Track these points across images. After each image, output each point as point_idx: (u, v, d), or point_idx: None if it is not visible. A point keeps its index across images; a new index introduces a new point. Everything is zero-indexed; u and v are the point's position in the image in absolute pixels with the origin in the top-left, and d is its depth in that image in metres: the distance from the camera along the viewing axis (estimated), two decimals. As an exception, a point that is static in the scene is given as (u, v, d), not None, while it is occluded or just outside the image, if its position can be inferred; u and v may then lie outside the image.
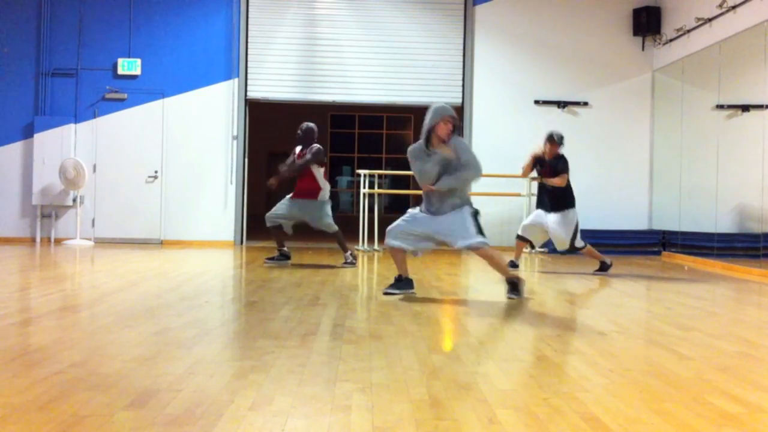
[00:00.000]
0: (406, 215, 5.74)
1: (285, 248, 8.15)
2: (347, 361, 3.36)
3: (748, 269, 8.23)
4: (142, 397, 2.70)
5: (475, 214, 5.56)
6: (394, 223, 5.73)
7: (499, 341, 4.09)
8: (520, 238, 8.11)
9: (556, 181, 7.67)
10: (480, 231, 5.49)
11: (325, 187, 8.00)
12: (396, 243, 5.65)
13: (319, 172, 7.98)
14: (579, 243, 7.80)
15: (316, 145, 7.98)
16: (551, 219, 7.76)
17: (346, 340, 3.87)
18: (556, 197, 7.73)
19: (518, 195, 10.33)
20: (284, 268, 7.66)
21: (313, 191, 7.94)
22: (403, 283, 5.76)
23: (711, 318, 5.09)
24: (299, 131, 8.01)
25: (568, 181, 7.75)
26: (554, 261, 9.35)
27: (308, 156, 7.90)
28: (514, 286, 5.62)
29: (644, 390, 2.99)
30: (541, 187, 7.91)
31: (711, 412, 2.67)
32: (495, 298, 5.89)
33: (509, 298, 5.57)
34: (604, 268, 7.85)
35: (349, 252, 8.14)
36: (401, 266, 5.78)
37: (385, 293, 5.69)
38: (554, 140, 7.74)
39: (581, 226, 9.77)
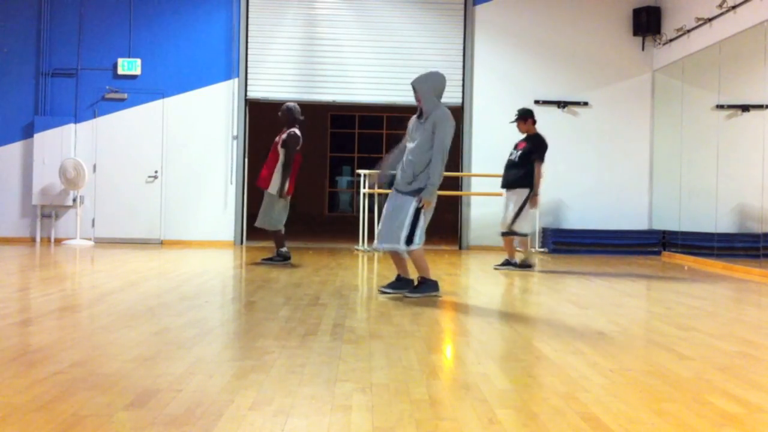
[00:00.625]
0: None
1: (285, 248, 8.07)
2: (347, 361, 3.36)
3: (748, 269, 8.23)
4: (142, 397, 2.70)
5: (417, 211, 5.50)
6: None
7: (499, 341, 4.09)
8: (504, 234, 7.99)
9: (537, 179, 7.61)
10: (410, 234, 5.47)
11: (276, 179, 7.79)
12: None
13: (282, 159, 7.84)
14: (519, 227, 7.70)
15: (292, 131, 7.84)
16: (507, 196, 7.78)
17: (346, 340, 3.87)
18: (511, 173, 7.74)
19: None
20: (285, 268, 7.65)
21: (267, 178, 7.85)
22: (401, 283, 5.76)
23: (711, 318, 5.10)
24: (279, 112, 8.00)
25: (533, 163, 7.67)
26: (554, 261, 9.36)
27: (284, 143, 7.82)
28: (422, 287, 5.62)
29: (644, 390, 2.99)
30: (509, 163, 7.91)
31: (711, 412, 2.67)
32: (495, 298, 5.90)
33: (405, 296, 5.55)
34: (524, 265, 7.87)
35: (284, 249, 8.03)
36: (399, 266, 5.79)
37: (382, 292, 5.71)
38: (526, 117, 7.84)
39: (581, 226, 9.89)
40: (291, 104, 8.04)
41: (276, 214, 7.89)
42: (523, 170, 7.68)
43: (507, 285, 6.91)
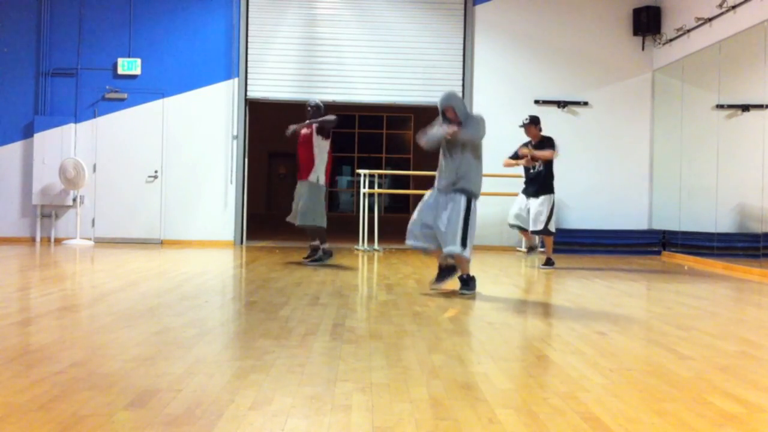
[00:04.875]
0: (421, 203, 5.96)
1: (326, 245, 8.16)
2: (347, 361, 3.36)
3: (748, 269, 8.23)
4: (142, 397, 2.70)
5: (468, 210, 5.81)
6: (412, 218, 5.95)
7: (499, 341, 4.09)
8: (514, 227, 8.58)
9: (547, 154, 8.07)
10: (464, 237, 5.74)
11: (318, 169, 7.90)
12: (413, 243, 5.87)
13: (320, 146, 7.91)
14: (552, 227, 8.24)
15: (328, 117, 8.02)
16: (533, 203, 8.20)
17: (346, 340, 3.87)
18: (539, 184, 8.15)
19: (517, 195, 10.32)
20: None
21: (307, 166, 7.91)
22: (445, 272, 6.04)
23: (711, 318, 5.09)
24: (309, 108, 8.13)
25: (551, 166, 8.17)
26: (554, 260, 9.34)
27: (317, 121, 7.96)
28: (467, 283, 5.93)
29: (644, 390, 2.99)
30: (526, 173, 8.32)
31: (711, 412, 2.67)
32: (495, 298, 5.90)
33: (462, 294, 5.85)
34: (549, 263, 8.32)
35: (326, 246, 8.15)
36: (436, 259, 6.08)
37: (434, 287, 5.99)
38: (537, 123, 8.19)
39: (581, 226, 10.03)
40: (319, 102, 8.20)
41: (321, 207, 7.97)
42: (545, 178, 8.19)
43: (507, 285, 6.91)
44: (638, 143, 11.22)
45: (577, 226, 10.92)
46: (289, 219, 8.13)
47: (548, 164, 8.16)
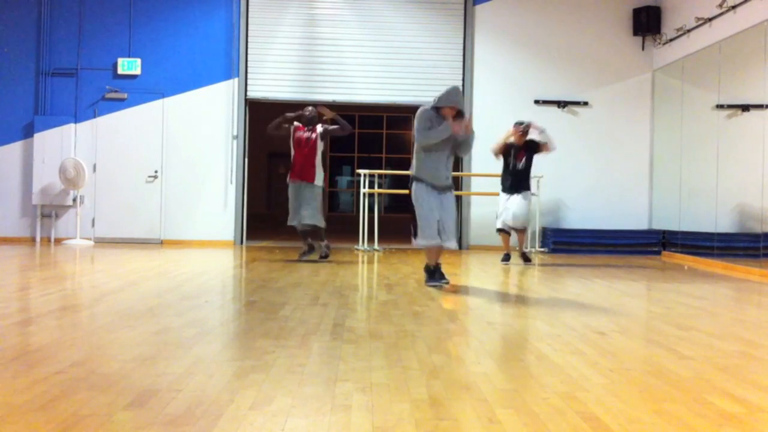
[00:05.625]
0: (424, 204, 6.12)
1: (310, 240, 8.43)
2: (347, 361, 3.36)
3: (748, 269, 8.23)
4: (142, 397, 2.70)
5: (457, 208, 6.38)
6: (423, 219, 6.10)
7: (499, 341, 4.09)
8: (500, 231, 8.70)
9: (548, 147, 8.40)
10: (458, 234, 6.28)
11: (320, 172, 8.25)
12: (433, 242, 6.12)
13: (322, 151, 8.28)
14: (527, 223, 8.66)
15: (327, 126, 8.34)
16: (514, 199, 8.41)
17: (346, 340, 3.87)
18: (519, 180, 8.41)
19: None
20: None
21: (310, 171, 8.20)
22: (438, 273, 6.31)
23: (711, 318, 5.10)
24: (307, 113, 8.32)
25: (530, 166, 8.50)
26: (554, 260, 9.36)
27: (327, 127, 8.27)
28: (432, 274, 6.28)
29: (644, 390, 2.99)
30: (506, 171, 8.58)
31: (711, 412, 2.67)
32: (496, 298, 5.90)
33: (428, 285, 6.23)
34: (526, 258, 8.68)
35: (325, 243, 8.40)
36: (435, 258, 6.34)
37: (430, 285, 6.23)
38: (526, 129, 8.48)
39: (581, 226, 10.04)
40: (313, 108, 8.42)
41: (321, 207, 8.30)
42: (528, 175, 8.50)
43: (507, 285, 6.91)
44: (638, 143, 11.22)
45: (577, 226, 10.92)
46: (291, 222, 8.29)
47: (530, 166, 8.49)
